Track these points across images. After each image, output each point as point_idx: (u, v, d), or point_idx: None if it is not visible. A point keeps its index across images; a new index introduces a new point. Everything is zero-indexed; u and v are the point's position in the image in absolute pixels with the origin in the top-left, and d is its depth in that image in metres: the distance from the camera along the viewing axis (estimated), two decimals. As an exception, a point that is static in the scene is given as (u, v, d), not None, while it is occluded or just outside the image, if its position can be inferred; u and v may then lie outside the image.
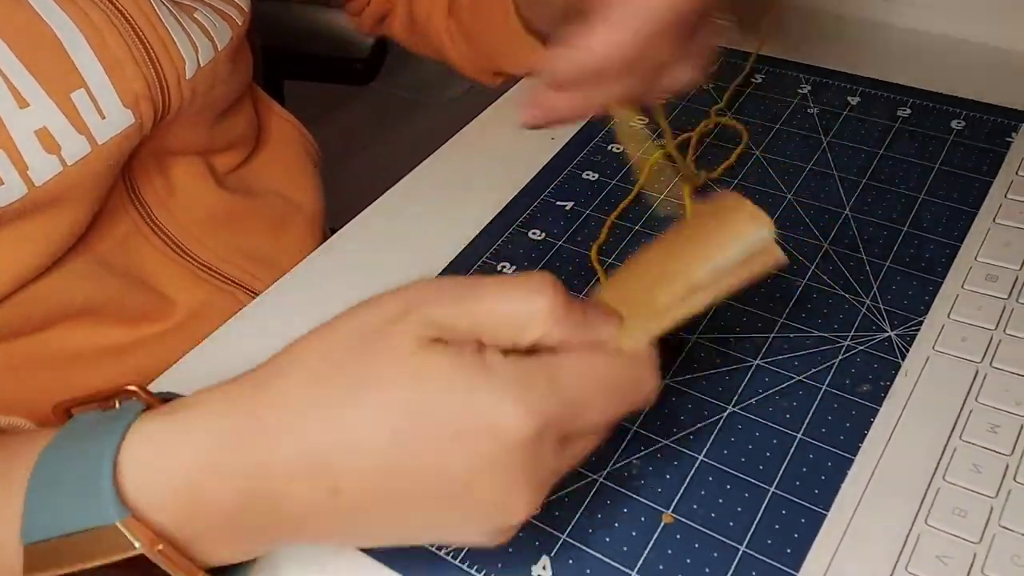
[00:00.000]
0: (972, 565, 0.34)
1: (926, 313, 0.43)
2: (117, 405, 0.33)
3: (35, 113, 0.39)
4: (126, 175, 0.47)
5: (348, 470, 0.29)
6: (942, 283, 0.45)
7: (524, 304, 0.29)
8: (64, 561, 0.30)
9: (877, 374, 0.41)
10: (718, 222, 0.32)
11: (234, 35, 0.48)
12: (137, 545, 0.29)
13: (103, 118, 0.41)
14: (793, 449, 0.39)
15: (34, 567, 0.30)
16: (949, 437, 0.38)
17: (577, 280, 0.47)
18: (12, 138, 0.38)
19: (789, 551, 0.35)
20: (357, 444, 0.29)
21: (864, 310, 0.44)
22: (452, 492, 0.29)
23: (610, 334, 0.31)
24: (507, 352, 0.29)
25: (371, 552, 0.37)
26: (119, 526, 0.29)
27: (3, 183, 0.38)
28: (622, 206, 0.51)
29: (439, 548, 0.37)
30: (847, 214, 0.49)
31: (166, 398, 0.33)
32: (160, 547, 0.30)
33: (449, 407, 0.28)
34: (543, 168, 0.55)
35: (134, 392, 0.33)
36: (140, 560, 0.30)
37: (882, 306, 0.44)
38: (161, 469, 0.30)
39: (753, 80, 0.60)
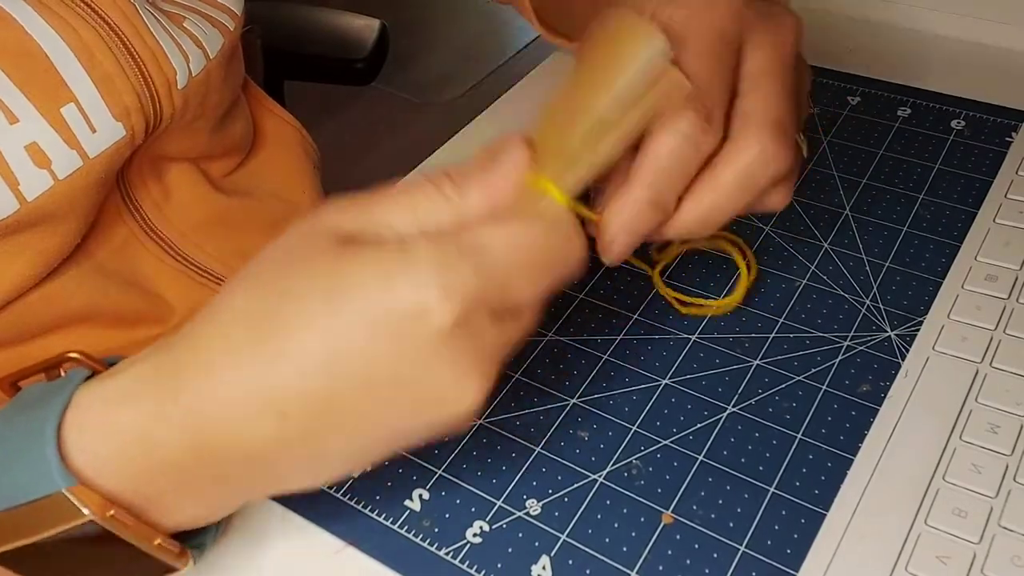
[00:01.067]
0: (972, 565, 0.34)
1: (926, 313, 0.43)
2: (63, 374, 0.33)
3: (25, 129, 0.38)
4: (122, 182, 0.47)
5: (288, 392, 0.28)
6: (942, 283, 0.45)
7: (427, 185, 0.30)
8: (15, 535, 0.29)
9: (877, 374, 0.41)
10: (614, 47, 0.31)
11: (226, 41, 0.48)
12: (86, 512, 0.29)
13: (94, 132, 0.41)
14: (793, 449, 0.39)
15: None
16: (949, 437, 0.38)
17: (577, 280, 0.48)
18: (2, 154, 0.38)
19: (789, 551, 0.35)
20: (289, 363, 0.28)
21: (864, 310, 0.44)
22: (393, 388, 0.28)
23: (521, 161, 0.30)
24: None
25: (371, 551, 0.37)
26: (66, 493, 0.29)
27: None
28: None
29: (439, 548, 0.37)
30: (847, 214, 0.49)
31: (113, 363, 0.33)
32: (111, 512, 0.29)
33: (368, 301, 0.28)
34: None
35: (77, 359, 0.33)
36: (108, 533, 0.30)
37: (882, 306, 0.44)
38: (106, 431, 0.30)
39: (753, 80, 0.60)
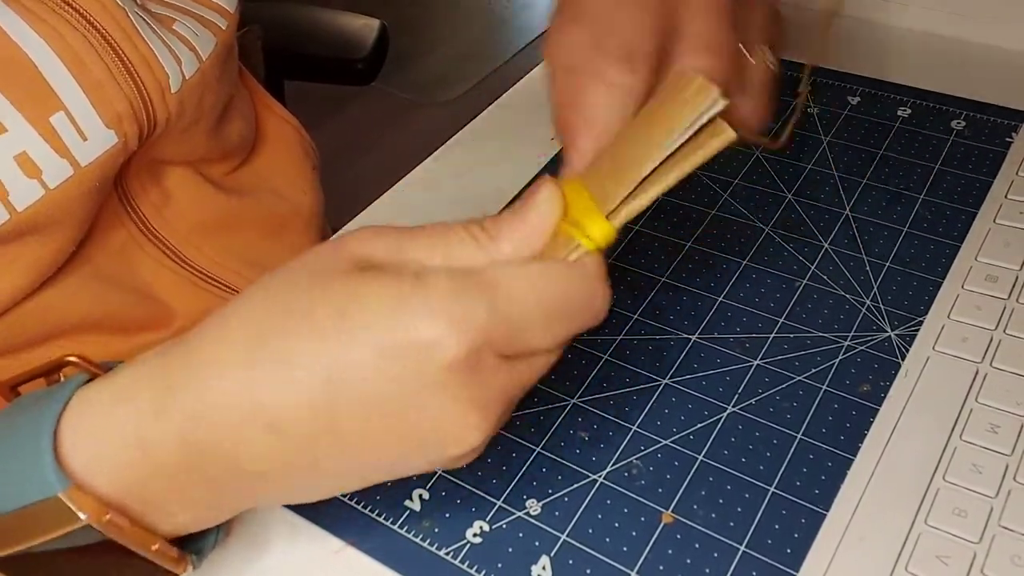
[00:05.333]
0: (972, 565, 0.34)
1: (926, 313, 0.43)
2: (62, 379, 0.32)
3: (13, 138, 0.38)
4: (120, 185, 0.46)
5: (280, 404, 0.28)
6: (942, 283, 0.45)
7: (460, 229, 0.29)
8: (11, 540, 0.29)
9: (877, 374, 0.41)
10: (670, 102, 0.30)
11: (219, 42, 0.47)
12: (82, 516, 0.28)
13: (85, 140, 0.40)
14: (793, 449, 0.39)
15: None
16: (949, 437, 0.38)
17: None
18: None
19: (789, 551, 0.35)
20: (284, 375, 0.28)
21: (864, 310, 0.44)
22: (394, 417, 0.28)
23: (553, 206, 0.29)
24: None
25: (371, 551, 0.37)
26: (62, 497, 0.28)
27: None
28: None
29: (439, 548, 0.37)
30: (847, 214, 0.49)
31: (112, 367, 0.33)
32: (108, 516, 0.29)
33: (377, 326, 0.27)
34: (543, 169, 0.55)
35: (76, 363, 0.32)
36: (110, 543, 0.29)
37: (882, 306, 0.44)
38: (102, 431, 0.30)
39: (753, 80, 0.60)
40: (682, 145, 0.29)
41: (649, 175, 0.29)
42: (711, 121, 0.29)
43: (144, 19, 0.42)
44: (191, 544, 0.33)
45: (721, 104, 0.29)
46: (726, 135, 0.29)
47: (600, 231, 0.29)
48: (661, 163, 0.29)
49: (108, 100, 0.40)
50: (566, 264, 0.29)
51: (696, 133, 0.29)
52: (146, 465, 0.30)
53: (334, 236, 0.32)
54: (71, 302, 0.44)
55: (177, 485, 0.30)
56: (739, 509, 0.37)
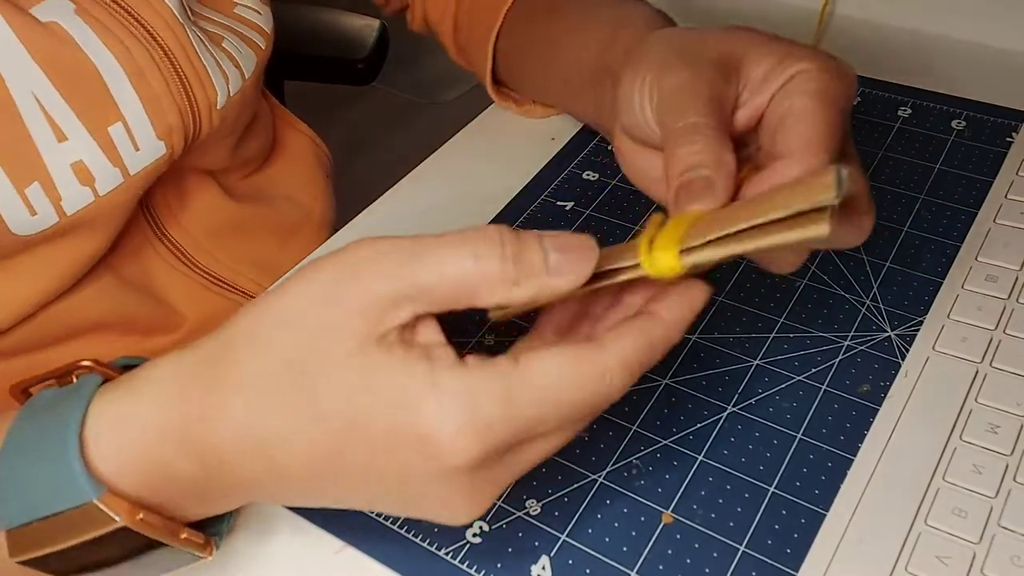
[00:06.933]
0: (972, 565, 0.34)
1: (926, 313, 0.43)
2: (75, 380, 0.33)
3: (73, 147, 0.39)
4: None
5: (284, 451, 0.29)
6: (942, 283, 0.45)
7: (471, 262, 0.27)
8: (49, 541, 0.30)
9: (877, 374, 0.41)
10: (797, 182, 0.29)
11: (259, 60, 0.49)
12: (118, 519, 0.29)
13: (137, 150, 0.41)
14: (793, 449, 0.39)
15: (20, 548, 0.30)
16: (949, 437, 0.38)
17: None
18: (49, 171, 0.39)
19: (789, 551, 0.35)
20: (292, 428, 0.28)
21: (864, 310, 0.44)
22: (388, 488, 0.29)
23: (582, 272, 0.28)
24: (466, 354, 0.28)
25: (371, 551, 0.37)
26: (97, 503, 0.29)
27: (36, 214, 0.39)
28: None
29: (439, 548, 0.37)
30: (847, 214, 0.49)
31: (125, 365, 0.34)
32: (140, 516, 0.30)
33: (387, 408, 0.27)
34: (543, 168, 0.55)
35: (89, 367, 0.33)
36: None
37: (882, 306, 0.44)
38: (125, 440, 0.31)
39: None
40: (781, 220, 0.28)
41: (740, 233, 0.28)
42: (818, 210, 0.27)
43: (200, 36, 0.44)
44: (208, 528, 0.34)
45: (833, 200, 0.27)
46: (819, 228, 0.27)
47: (664, 261, 0.29)
48: (755, 227, 0.28)
49: (163, 113, 0.42)
50: (588, 360, 0.28)
51: (799, 215, 0.28)
52: (165, 476, 0.31)
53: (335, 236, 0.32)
54: (91, 304, 0.45)
55: (193, 494, 0.31)
56: (739, 509, 0.37)
